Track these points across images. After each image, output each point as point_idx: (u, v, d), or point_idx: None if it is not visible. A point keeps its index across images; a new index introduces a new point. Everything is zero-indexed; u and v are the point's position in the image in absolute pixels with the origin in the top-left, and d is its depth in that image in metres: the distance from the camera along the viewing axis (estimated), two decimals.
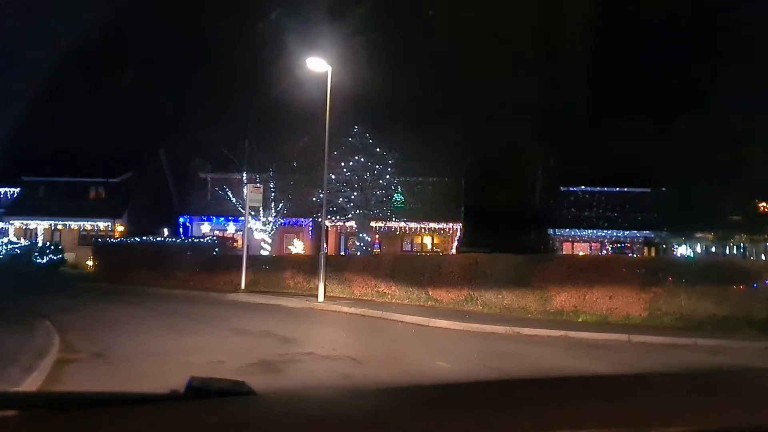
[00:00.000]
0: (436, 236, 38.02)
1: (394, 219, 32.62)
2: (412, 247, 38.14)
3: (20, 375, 7.92)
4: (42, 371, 8.47)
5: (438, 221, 36.07)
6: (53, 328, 12.42)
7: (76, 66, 55.87)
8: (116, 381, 8.71)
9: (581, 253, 35.15)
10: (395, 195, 32.60)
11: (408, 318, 16.47)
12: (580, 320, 16.50)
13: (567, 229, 38.51)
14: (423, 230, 37.00)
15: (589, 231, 38.26)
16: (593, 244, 38.66)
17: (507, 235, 36.91)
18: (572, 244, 38.84)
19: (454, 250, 35.97)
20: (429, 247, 38.24)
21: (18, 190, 44.46)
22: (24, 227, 42.89)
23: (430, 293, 19.82)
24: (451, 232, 37.05)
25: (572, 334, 14.08)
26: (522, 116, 41.45)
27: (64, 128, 46.98)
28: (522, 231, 39.36)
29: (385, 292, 21.05)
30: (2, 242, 38.95)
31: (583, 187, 38.82)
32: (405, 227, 35.46)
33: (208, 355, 10.44)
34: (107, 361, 9.92)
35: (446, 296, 19.42)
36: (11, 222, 42.71)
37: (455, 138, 31.58)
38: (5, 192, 45.13)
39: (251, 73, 33.20)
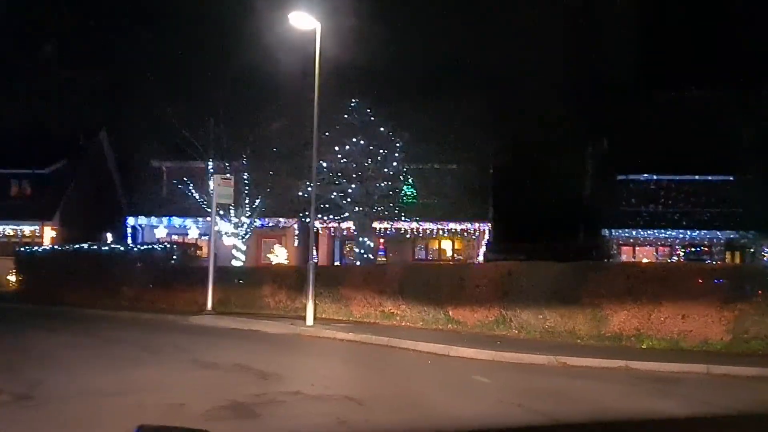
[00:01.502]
0: (457, 240, 38.01)
1: (403, 218, 32.63)
2: (426, 254, 38.15)
3: None
4: None
5: (460, 221, 36.01)
6: None
7: None
8: (46, 429, 8.71)
9: (645, 260, 35.07)
10: (404, 187, 32.59)
11: (422, 345, 16.42)
12: (644, 346, 16.43)
13: (626, 229, 38.45)
14: (441, 232, 36.95)
15: (655, 231, 38.20)
16: (660, 248, 38.60)
17: (548, 238, 37.00)
18: (633, 249, 38.79)
19: (480, 258, 35.96)
20: (449, 253, 38.25)
21: None
22: None
23: (451, 313, 19.77)
24: (476, 234, 37.01)
25: (634, 364, 14.01)
26: (566, 87, 41.47)
27: None
28: (568, 232, 39.40)
29: (392, 313, 21.01)
30: None
31: (646, 175, 38.74)
32: (417, 229, 35.44)
33: (164, 396, 10.41)
34: (35, 404, 9.89)
35: (471, 317, 19.36)
36: None
37: (481, 114, 31.52)
38: None
39: (218, 32, 33.14)
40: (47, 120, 44.53)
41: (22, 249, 33.73)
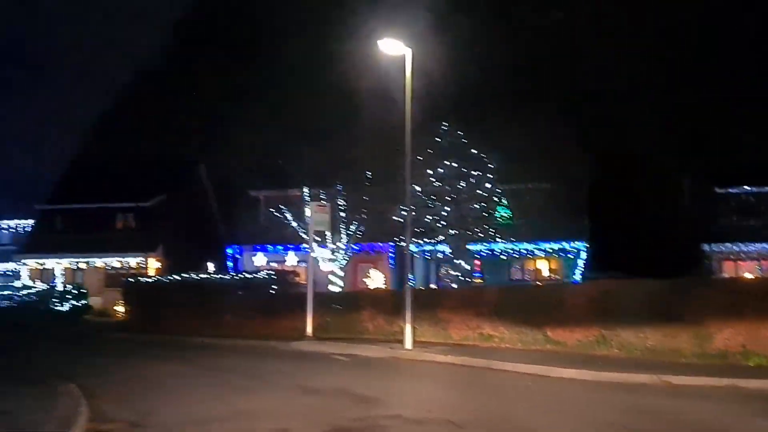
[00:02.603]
0: (553, 260, 37.54)
1: (498, 239, 32.41)
2: (523, 275, 37.75)
3: None
4: None
5: (555, 240, 35.65)
6: (79, 392, 12.83)
7: (92, 68, 58.35)
8: None
9: (748, 275, 33.99)
10: (499, 208, 32.42)
11: (522, 367, 16.26)
12: (751, 364, 15.92)
13: (727, 244, 37.32)
14: (537, 252, 36.59)
15: (758, 245, 36.99)
16: (763, 261, 37.34)
17: (646, 255, 36.18)
18: (735, 263, 37.62)
19: (578, 277, 35.42)
20: (545, 274, 37.78)
21: (31, 222, 46.34)
22: (40, 268, 44.56)
23: (549, 334, 19.54)
24: (573, 253, 36.50)
25: (742, 382, 13.59)
26: (660, 100, 40.71)
27: (82, 145, 48.93)
28: (667, 248, 38.42)
29: (490, 335, 20.86)
30: (15, 287, 40.57)
31: (746, 187, 37.62)
32: (513, 250, 35.15)
33: (269, 422, 10.55)
34: None
35: (570, 337, 19.10)
36: (24, 262, 44.47)
37: (573, 133, 31.26)
38: (16, 226, 47.12)
39: (310, 64, 33.76)
40: (149, 155, 45.92)
41: (129, 280, 34.65)
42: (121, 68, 59.98)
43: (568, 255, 36.68)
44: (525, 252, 36.15)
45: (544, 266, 38.10)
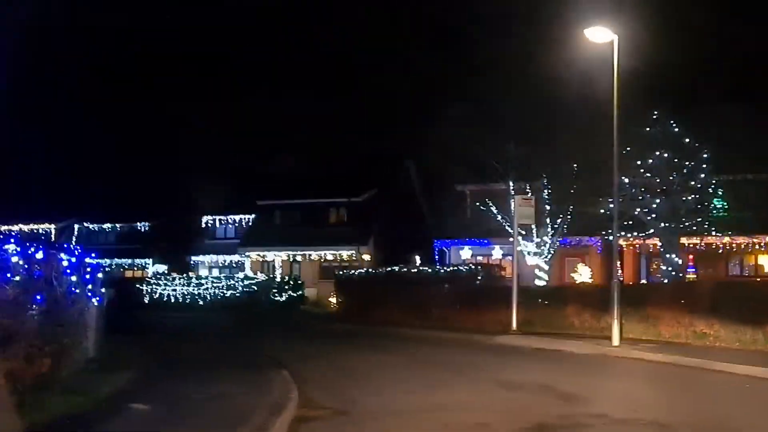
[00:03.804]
0: None
1: (713, 233, 30.84)
2: (741, 270, 35.71)
3: None
4: (278, 431, 9.06)
5: None
6: (291, 379, 13.39)
7: (304, 76, 60.66)
8: None
9: None
10: (714, 200, 30.79)
11: (739, 368, 15.18)
12: None
13: None
14: (757, 246, 34.47)
15: None
16: None
17: None
18: None
19: None
20: (767, 269, 35.57)
21: (252, 216, 48.87)
22: (261, 259, 46.98)
23: None
24: None
25: None
26: None
27: (298, 143, 51.06)
28: None
29: (704, 333, 19.71)
30: (239, 278, 42.90)
31: None
32: (730, 243, 33.30)
33: (470, 415, 10.46)
34: (351, 420, 10.39)
35: None
36: (247, 254, 47.02)
37: None
38: (240, 219, 49.90)
39: (511, 56, 33.33)
40: (359, 151, 47.14)
41: (341, 273, 35.71)
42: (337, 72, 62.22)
43: None
44: (744, 246, 34.08)
45: (766, 261, 35.86)
